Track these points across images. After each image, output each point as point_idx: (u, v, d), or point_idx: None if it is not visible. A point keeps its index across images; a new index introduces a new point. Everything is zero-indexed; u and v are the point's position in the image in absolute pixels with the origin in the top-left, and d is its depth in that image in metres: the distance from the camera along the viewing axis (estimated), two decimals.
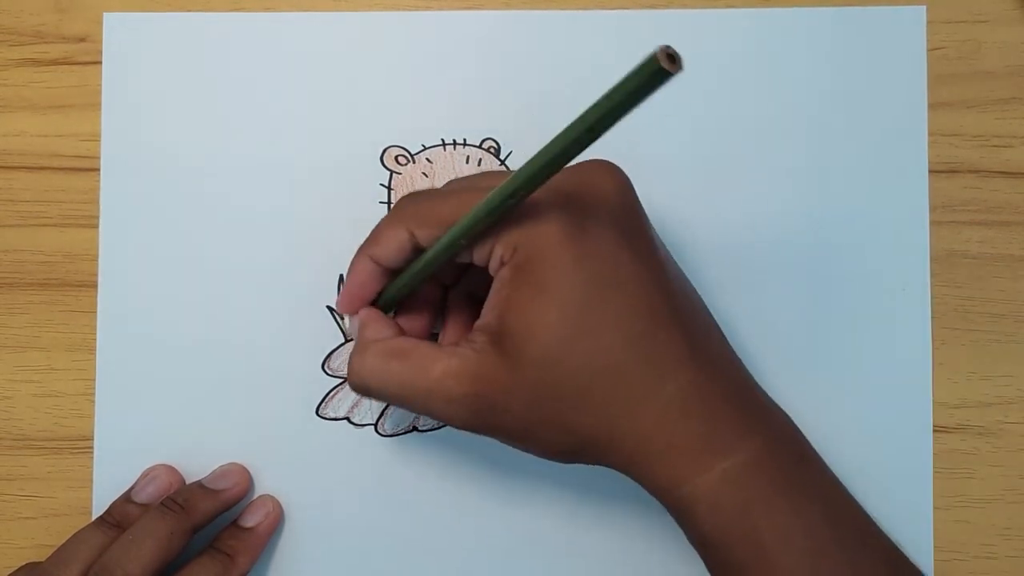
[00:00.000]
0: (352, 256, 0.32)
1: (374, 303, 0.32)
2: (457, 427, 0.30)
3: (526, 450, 0.30)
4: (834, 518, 0.29)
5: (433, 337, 0.35)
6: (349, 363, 0.31)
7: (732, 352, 0.32)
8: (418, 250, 0.31)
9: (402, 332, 0.32)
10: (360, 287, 0.32)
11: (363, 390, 0.31)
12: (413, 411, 0.30)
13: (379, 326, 0.31)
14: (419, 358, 0.29)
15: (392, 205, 0.32)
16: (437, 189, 0.32)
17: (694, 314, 0.30)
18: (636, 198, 0.30)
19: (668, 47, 0.22)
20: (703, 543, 0.29)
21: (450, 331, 0.34)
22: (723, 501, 0.28)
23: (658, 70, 0.22)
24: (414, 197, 0.31)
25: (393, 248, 0.30)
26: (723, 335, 0.32)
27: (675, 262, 0.31)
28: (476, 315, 0.30)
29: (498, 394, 0.28)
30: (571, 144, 0.25)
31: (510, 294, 0.29)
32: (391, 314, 0.33)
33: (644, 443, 0.29)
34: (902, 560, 0.31)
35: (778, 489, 0.29)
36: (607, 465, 0.30)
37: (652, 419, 0.28)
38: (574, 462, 0.30)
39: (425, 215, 0.30)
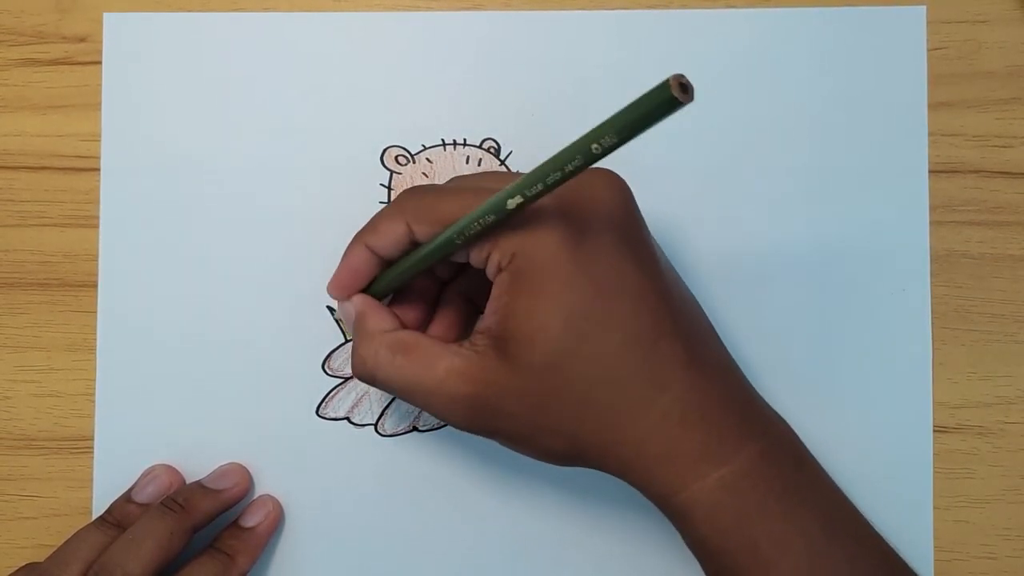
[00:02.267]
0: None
1: (365, 291, 0.32)
2: (456, 426, 0.30)
3: (524, 453, 0.30)
4: (831, 523, 0.29)
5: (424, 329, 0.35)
6: (354, 352, 0.31)
7: (730, 359, 0.32)
8: (415, 244, 0.31)
9: (402, 324, 0.32)
10: (353, 274, 0.32)
11: (369, 380, 0.31)
12: (414, 405, 0.30)
13: (380, 316, 0.31)
14: (424, 354, 0.29)
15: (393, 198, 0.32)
16: (440, 186, 0.32)
17: (693, 322, 0.30)
18: (636, 207, 0.30)
19: (681, 76, 0.22)
20: (700, 549, 0.29)
21: (439, 325, 0.33)
22: (720, 508, 0.28)
23: (669, 99, 0.22)
24: (416, 191, 0.31)
25: (390, 240, 0.31)
26: (721, 342, 0.32)
27: (674, 269, 0.31)
28: (469, 313, 0.30)
29: (498, 397, 0.28)
30: (572, 168, 0.25)
31: (510, 300, 0.29)
32: (385, 302, 0.33)
33: (642, 450, 0.29)
34: (900, 565, 0.31)
35: (775, 496, 0.29)
36: (604, 470, 0.30)
37: (651, 426, 0.28)
38: (572, 466, 0.30)
39: (424, 211, 0.30)
